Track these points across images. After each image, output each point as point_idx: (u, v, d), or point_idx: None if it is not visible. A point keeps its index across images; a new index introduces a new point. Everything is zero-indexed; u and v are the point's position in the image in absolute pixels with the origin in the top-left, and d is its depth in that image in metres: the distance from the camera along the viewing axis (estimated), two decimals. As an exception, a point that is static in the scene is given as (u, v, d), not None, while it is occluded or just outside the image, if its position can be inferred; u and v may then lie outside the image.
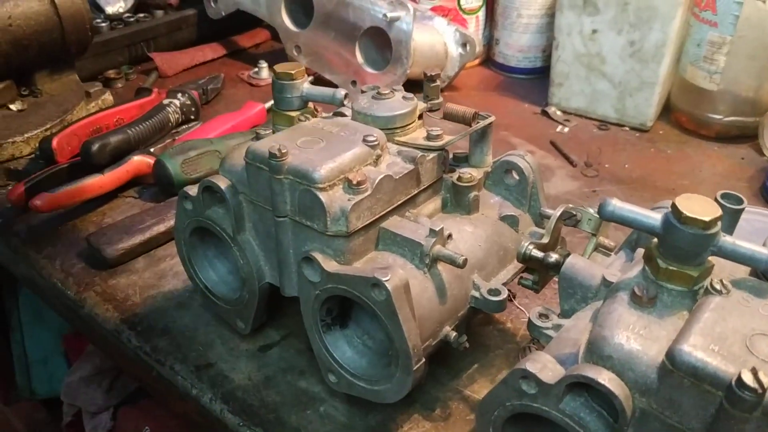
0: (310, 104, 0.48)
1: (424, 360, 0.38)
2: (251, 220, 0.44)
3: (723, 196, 0.36)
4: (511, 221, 0.45)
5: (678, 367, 0.28)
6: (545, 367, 0.32)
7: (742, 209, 0.36)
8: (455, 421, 0.43)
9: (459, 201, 0.45)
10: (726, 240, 0.31)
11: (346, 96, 0.45)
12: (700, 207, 0.31)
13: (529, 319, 0.39)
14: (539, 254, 0.42)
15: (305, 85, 0.46)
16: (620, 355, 0.30)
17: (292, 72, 0.45)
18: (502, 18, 0.88)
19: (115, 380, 0.82)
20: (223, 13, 0.91)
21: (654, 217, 0.32)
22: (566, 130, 0.78)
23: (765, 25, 0.68)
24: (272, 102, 0.48)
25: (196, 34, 0.95)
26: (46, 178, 0.61)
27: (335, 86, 0.83)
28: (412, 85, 0.82)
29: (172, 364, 0.48)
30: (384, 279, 0.36)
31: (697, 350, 0.28)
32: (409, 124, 0.45)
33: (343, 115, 0.46)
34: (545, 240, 0.44)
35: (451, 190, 0.45)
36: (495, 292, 0.41)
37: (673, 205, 0.31)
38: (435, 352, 0.43)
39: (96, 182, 0.61)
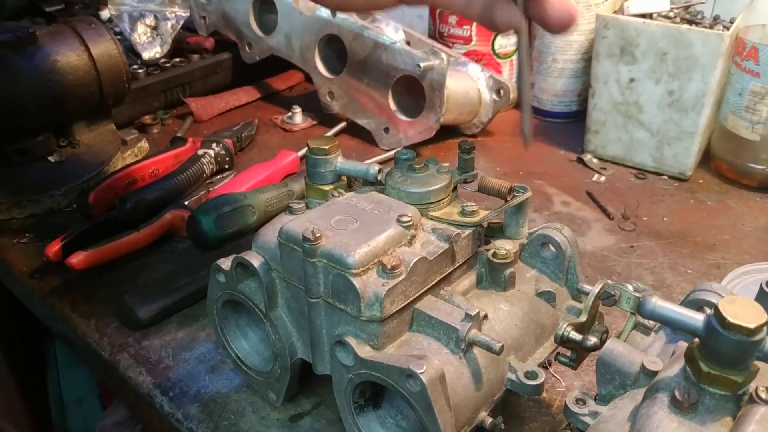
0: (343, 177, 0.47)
1: (458, 449, 0.38)
2: (284, 297, 0.43)
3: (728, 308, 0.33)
4: (548, 297, 0.44)
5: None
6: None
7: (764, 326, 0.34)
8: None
9: (494, 278, 0.44)
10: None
11: (379, 171, 0.45)
12: (744, 311, 0.30)
13: (565, 403, 0.38)
14: (577, 337, 0.41)
15: (339, 160, 0.46)
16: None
17: (326, 147, 0.45)
18: (537, 62, 0.87)
19: (146, 427, 0.83)
20: (258, 58, 0.92)
21: (696, 319, 0.31)
22: (602, 179, 0.77)
23: (809, 77, 0.66)
24: (304, 151, 0.48)
25: (230, 78, 0.96)
26: (82, 234, 0.62)
27: (368, 132, 0.84)
28: (445, 131, 0.82)
29: (202, 433, 0.48)
30: (419, 371, 0.35)
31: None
32: (443, 199, 0.44)
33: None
34: (583, 318, 0.43)
35: (487, 266, 0.44)
36: (532, 375, 0.40)
37: (716, 309, 0.30)
38: None
39: (131, 239, 0.62)
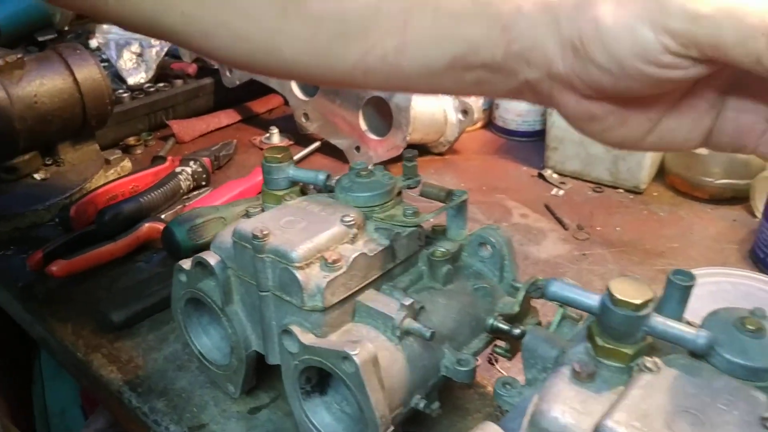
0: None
1: (392, 428, 0.41)
2: (239, 293, 0.47)
3: (674, 272, 0.37)
4: (484, 292, 0.48)
5: (605, 439, 0.30)
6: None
7: (692, 285, 0.38)
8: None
9: (434, 274, 0.48)
10: (657, 321, 0.33)
11: (328, 177, 0.49)
12: (632, 290, 0.33)
13: (494, 388, 0.41)
14: (505, 326, 0.45)
15: (291, 168, 0.50)
16: (556, 428, 0.32)
17: (279, 156, 0.49)
18: (501, 84, 0.92)
19: (117, 422, 0.86)
20: (237, 82, 0.97)
21: (593, 298, 0.35)
22: (561, 192, 0.81)
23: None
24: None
25: (212, 102, 1.00)
26: (62, 245, 0.65)
27: (341, 151, 0.88)
28: (414, 148, 0.86)
29: (167, 425, 0.51)
30: (353, 353, 0.39)
31: (620, 426, 0.30)
32: (388, 202, 0.48)
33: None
34: (515, 310, 0.47)
35: (427, 264, 0.48)
36: (464, 362, 0.44)
37: (608, 289, 0.34)
38: (412, 418, 0.45)
39: (108, 249, 0.66)
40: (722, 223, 0.75)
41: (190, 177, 0.78)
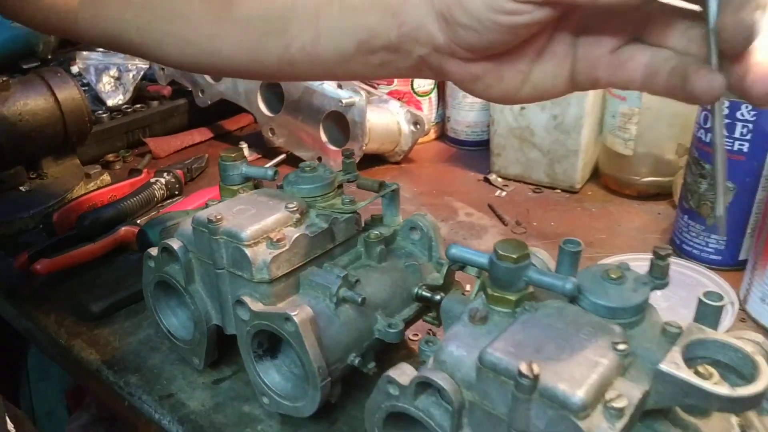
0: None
1: (329, 378, 0.48)
2: (199, 273, 0.54)
3: (564, 242, 0.45)
4: (413, 269, 0.55)
5: (484, 365, 0.37)
6: (404, 373, 0.41)
7: (580, 251, 0.45)
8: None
9: (369, 254, 0.55)
10: (533, 272, 0.41)
11: (276, 173, 0.56)
12: (512, 247, 0.41)
13: (419, 345, 0.48)
14: (428, 293, 0.52)
15: (244, 166, 0.57)
16: (451, 359, 0.39)
17: (233, 155, 0.57)
18: (451, 98, 1.00)
19: (109, 428, 0.91)
20: (209, 102, 1.04)
21: (484, 257, 0.42)
22: (504, 194, 0.89)
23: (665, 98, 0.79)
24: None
25: (186, 120, 1.08)
26: (46, 248, 0.72)
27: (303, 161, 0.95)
28: (373, 159, 0.95)
29: (140, 395, 0.58)
30: (293, 314, 0.46)
31: (497, 352, 0.37)
32: (328, 194, 0.55)
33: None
34: (440, 282, 0.54)
35: (364, 245, 0.55)
36: (393, 325, 0.51)
37: (494, 247, 0.41)
38: (349, 377, 0.52)
39: (88, 250, 0.72)
40: (647, 217, 0.83)
41: (164, 187, 0.85)
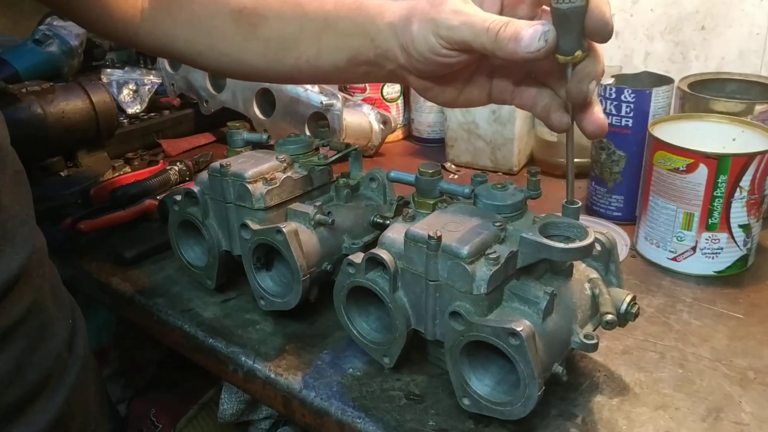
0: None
1: (308, 276, 0.66)
2: (212, 210, 0.73)
3: (567, 202, 0.59)
4: (371, 207, 0.74)
5: (408, 238, 0.56)
6: (358, 256, 0.60)
7: (578, 207, 0.59)
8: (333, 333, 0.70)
9: (339, 195, 0.74)
10: (443, 183, 0.60)
11: (269, 138, 0.76)
12: (431, 167, 0.60)
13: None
14: (380, 220, 0.71)
15: (245, 133, 0.76)
16: (389, 241, 0.58)
17: (237, 125, 0.76)
18: (414, 103, 1.20)
19: (129, 379, 1.08)
20: (212, 110, 1.24)
21: (413, 176, 0.62)
22: (456, 176, 1.08)
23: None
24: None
25: (193, 126, 1.27)
26: (87, 213, 0.91)
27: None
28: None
29: (166, 311, 0.76)
30: (283, 227, 0.65)
31: (416, 229, 0.56)
32: (308, 152, 0.75)
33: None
34: (390, 214, 0.73)
35: (335, 190, 0.74)
36: (355, 245, 0.70)
37: (418, 167, 0.60)
38: (323, 288, 0.70)
39: (119, 215, 0.91)
40: (570, 190, 1.02)
41: (177, 173, 1.04)
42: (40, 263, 0.57)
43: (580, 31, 0.49)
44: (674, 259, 0.79)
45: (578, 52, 0.50)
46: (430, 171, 0.60)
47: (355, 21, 0.60)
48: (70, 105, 0.99)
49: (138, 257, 0.85)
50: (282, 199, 0.69)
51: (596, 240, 0.61)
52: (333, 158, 0.74)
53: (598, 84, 0.53)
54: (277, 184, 0.69)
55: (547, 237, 0.55)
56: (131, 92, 1.23)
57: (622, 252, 0.84)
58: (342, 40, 0.61)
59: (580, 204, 0.60)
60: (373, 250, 0.58)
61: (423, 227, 0.56)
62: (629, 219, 0.90)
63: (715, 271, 0.78)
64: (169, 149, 1.20)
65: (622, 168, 0.88)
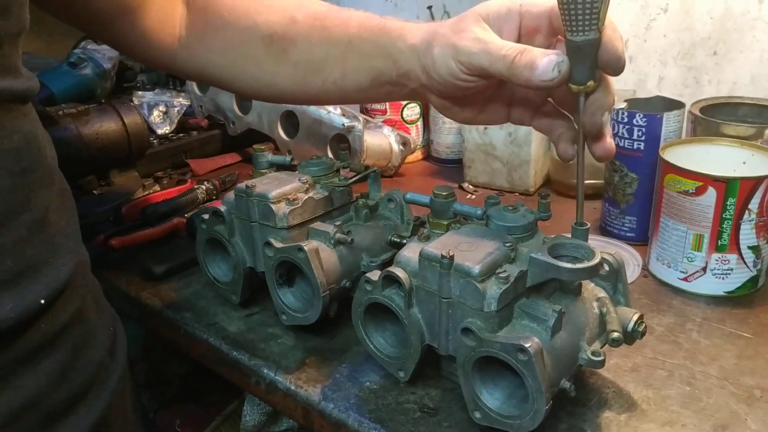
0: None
1: (328, 293, 0.69)
2: (238, 228, 0.76)
3: (576, 223, 0.61)
4: (390, 227, 0.77)
5: (422, 257, 0.59)
6: (375, 273, 0.63)
7: (587, 228, 0.62)
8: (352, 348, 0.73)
9: (358, 215, 0.77)
10: (457, 205, 0.63)
11: (292, 160, 0.79)
12: (444, 190, 0.63)
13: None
14: (397, 239, 0.74)
15: (270, 155, 0.80)
16: (404, 260, 0.61)
17: (263, 147, 0.80)
18: (433, 124, 1.24)
19: (155, 391, 1.12)
20: (239, 131, 1.28)
21: (427, 198, 0.65)
22: (473, 197, 1.11)
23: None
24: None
25: (220, 146, 1.32)
26: (118, 230, 0.95)
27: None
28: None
29: (192, 324, 0.79)
30: (304, 245, 0.68)
31: (430, 248, 0.59)
32: (329, 174, 0.78)
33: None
34: (407, 233, 0.76)
35: (354, 210, 0.78)
36: (373, 263, 0.73)
37: (432, 190, 0.63)
38: (342, 305, 0.73)
39: (149, 232, 0.95)
40: (584, 210, 1.04)
41: (204, 192, 1.08)
42: (84, 275, 0.61)
43: (593, 62, 0.52)
44: (685, 279, 0.81)
45: (590, 83, 0.53)
46: (444, 193, 0.63)
47: (378, 43, 0.63)
48: (104, 126, 1.04)
49: (167, 273, 0.89)
50: (304, 219, 0.73)
51: (604, 260, 0.63)
52: (352, 179, 0.77)
53: (610, 114, 0.56)
54: (299, 205, 0.72)
55: (555, 257, 0.57)
56: (161, 114, 1.28)
57: (634, 272, 0.86)
58: (366, 61, 0.64)
59: (589, 225, 0.63)
60: (389, 269, 0.61)
61: (437, 247, 0.59)
62: (642, 239, 0.92)
63: (725, 292, 0.79)
64: (197, 169, 1.25)
65: (634, 190, 0.90)
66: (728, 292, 0.79)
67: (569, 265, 0.55)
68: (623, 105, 0.90)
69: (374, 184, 0.80)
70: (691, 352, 0.70)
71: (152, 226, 0.96)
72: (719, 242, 0.77)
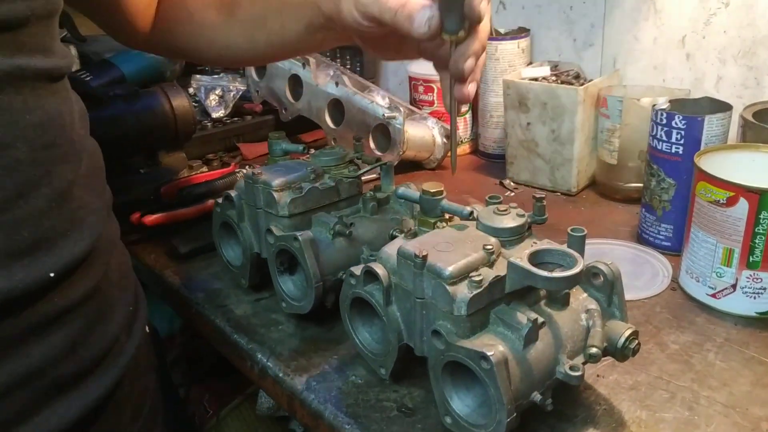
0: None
1: (321, 282, 0.69)
2: (247, 214, 0.77)
3: (572, 229, 0.59)
4: (396, 221, 0.76)
5: (399, 254, 0.57)
6: (359, 268, 0.62)
7: (584, 235, 0.60)
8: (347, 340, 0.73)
9: (365, 208, 0.76)
10: (444, 203, 0.61)
11: (305, 148, 0.79)
12: (433, 187, 0.62)
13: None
14: (398, 234, 0.73)
15: (284, 143, 0.81)
16: (386, 255, 0.60)
17: (277, 135, 0.81)
18: (481, 118, 1.21)
19: (191, 365, 1.16)
20: (290, 118, 1.30)
21: (417, 194, 0.63)
22: (512, 194, 1.08)
23: (641, 115, 0.96)
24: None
25: (272, 132, 1.34)
26: (153, 209, 0.98)
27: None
28: (412, 166, 1.16)
29: (203, 305, 0.81)
30: (300, 235, 0.68)
31: (407, 246, 0.57)
32: (340, 165, 0.78)
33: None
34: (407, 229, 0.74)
35: (362, 203, 0.77)
36: (372, 256, 0.72)
37: (421, 186, 0.62)
38: (339, 289, 0.73)
39: (182, 212, 0.98)
40: (626, 215, 0.99)
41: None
42: (107, 252, 0.62)
43: (460, 13, 0.56)
44: (713, 295, 0.75)
45: (461, 33, 0.58)
46: (432, 190, 0.61)
47: None
48: (152, 108, 1.08)
49: (191, 253, 0.92)
50: (307, 208, 0.73)
51: (598, 270, 0.60)
52: (361, 171, 0.77)
53: (476, 60, 0.61)
54: (302, 194, 0.72)
55: (538, 264, 0.55)
56: (217, 97, 1.32)
57: (663, 283, 0.81)
58: (297, 11, 0.69)
59: (585, 232, 0.59)
60: (369, 264, 0.60)
61: (414, 245, 0.58)
62: (678, 250, 0.86)
63: (757, 312, 0.73)
64: (246, 153, 1.27)
65: (671, 196, 0.85)
66: (760, 313, 0.73)
67: (546, 273, 0.52)
68: (665, 105, 0.85)
69: (386, 177, 0.79)
70: (701, 375, 0.65)
71: (187, 206, 0.99)
72: (751, 258, 0.71)
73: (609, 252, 0.89)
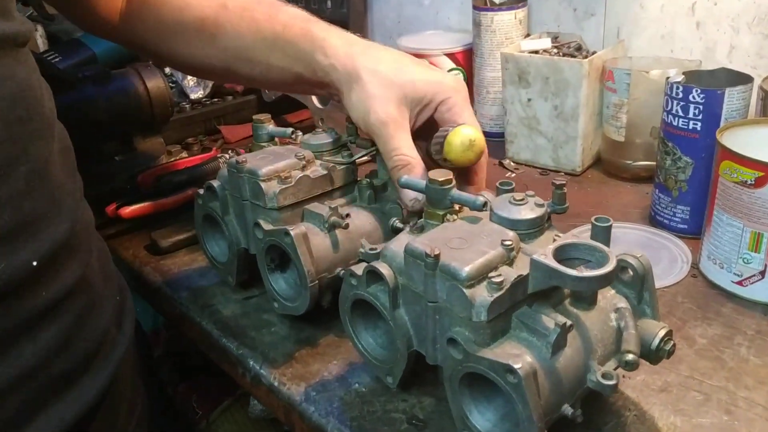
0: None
1: (317, 282, 0.63)
2: (232, 206, 0.70)
3: (596, 219, 0.53)
4: (396, 210, 0.69)
5: (407, 252, 0.51)
6: (360, 266, 0.56)
7: (609, 225, 0.53)
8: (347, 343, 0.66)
9: (362, 196, 0.70)
10: (454, 192, 0.55)
11: (293, 132, 0.72)
12: (441, 175, 0.55)
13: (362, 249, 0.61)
14: (400, 225, 0.66)
15: (270, 126, 0.74)
16: (391, 253, 0.53)
17: (262, 119, 0.73)
18: (477, 94, 1.14)
19: (176, 362, 1.10)
20: (273, 98, 1.23)
21: (423, 183, 0.57)
22: (513, 175, 1.02)
23: (650, 89, 0.90)
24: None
25: (255, 113, 1.26)
26: (130, 200, 0.91)
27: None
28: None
29: (187, 305, 0.75)
30: (291, 230, 0.62)
31: (416, 243, 0.51)
32: (333, 150, 0.71)
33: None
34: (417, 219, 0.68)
35: (358, 190, 0.70)
36: (372, 250, 0.65)
37: (428, 175, 0.55)
38: (336, 287, 0.66)
39: (161, 202, 0.91)
40: (635, 195, 0.93)
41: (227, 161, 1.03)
42: (87, 238, 0.59)
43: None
44: (739, 283, 0.70)
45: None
46: (441, 179, 0.54)
47: (300, 48, 0.68)
48: (125, 90, 1.00)
49: (173, 247, 0.85)
50: (297, 199, 0.66)
51: (627, 264, 0.54)
52: (356, 157, 0.70)
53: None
54: (292, 183, 0.65)
55: (563, 260, 0.49)
56: (195, 78, 1.24)
57: (682, 270, 0.76)
58: (288, 62, 0.70)
59: (611, 222, 0.53)
60: (373, 263, 0.54)
61: (424, 242, 0.51)
62: (695, 233, 0.80)
63: (787, 301, 0.68)
64: (229, 135, 1.20)
65: (688, 176, 0.79)
66: (791, 302, 0.68)
67: (575, 273, 0.46)
68: (680, 78, 0.79)
69: (383, 162, 0.72)
70: (735, 373, 0.60)
71: (166, 196, 0.92)
72: (782, 243, 0.66)
73: (622, 236, 0.83)
